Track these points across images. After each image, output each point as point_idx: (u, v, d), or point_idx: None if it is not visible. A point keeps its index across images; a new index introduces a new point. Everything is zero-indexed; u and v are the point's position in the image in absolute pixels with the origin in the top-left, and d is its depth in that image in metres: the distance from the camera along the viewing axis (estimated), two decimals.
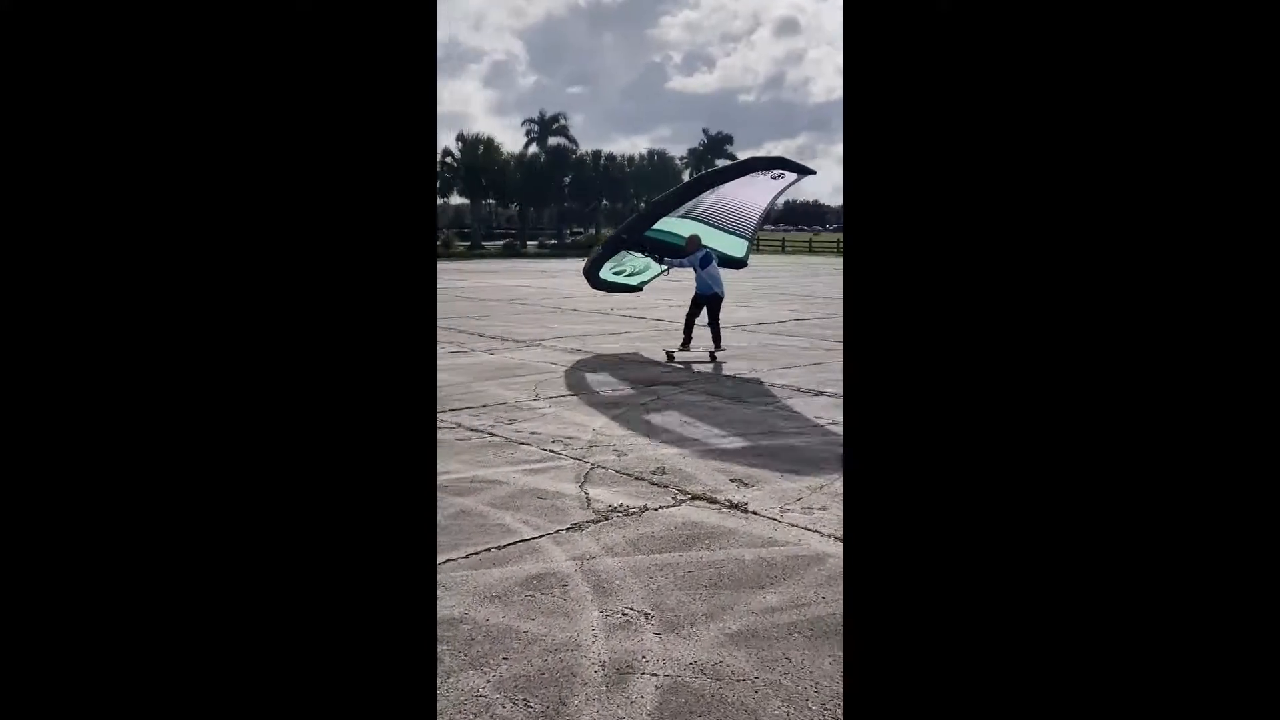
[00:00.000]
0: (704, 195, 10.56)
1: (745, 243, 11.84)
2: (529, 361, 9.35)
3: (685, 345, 9.82)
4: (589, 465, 5.30)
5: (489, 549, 3.89)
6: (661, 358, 9.71)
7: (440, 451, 5.52)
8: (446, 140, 53.41)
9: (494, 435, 6.04)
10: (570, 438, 5.99)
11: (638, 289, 12.67)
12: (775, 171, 10.52)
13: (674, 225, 10.76)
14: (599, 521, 4.28)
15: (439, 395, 7.38)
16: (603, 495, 4.70)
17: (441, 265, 32.30)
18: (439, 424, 6.34)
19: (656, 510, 4.46)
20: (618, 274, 11.63)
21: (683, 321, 10.04)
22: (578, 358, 9.67)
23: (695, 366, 9.27)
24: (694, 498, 4.67)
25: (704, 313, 9.81)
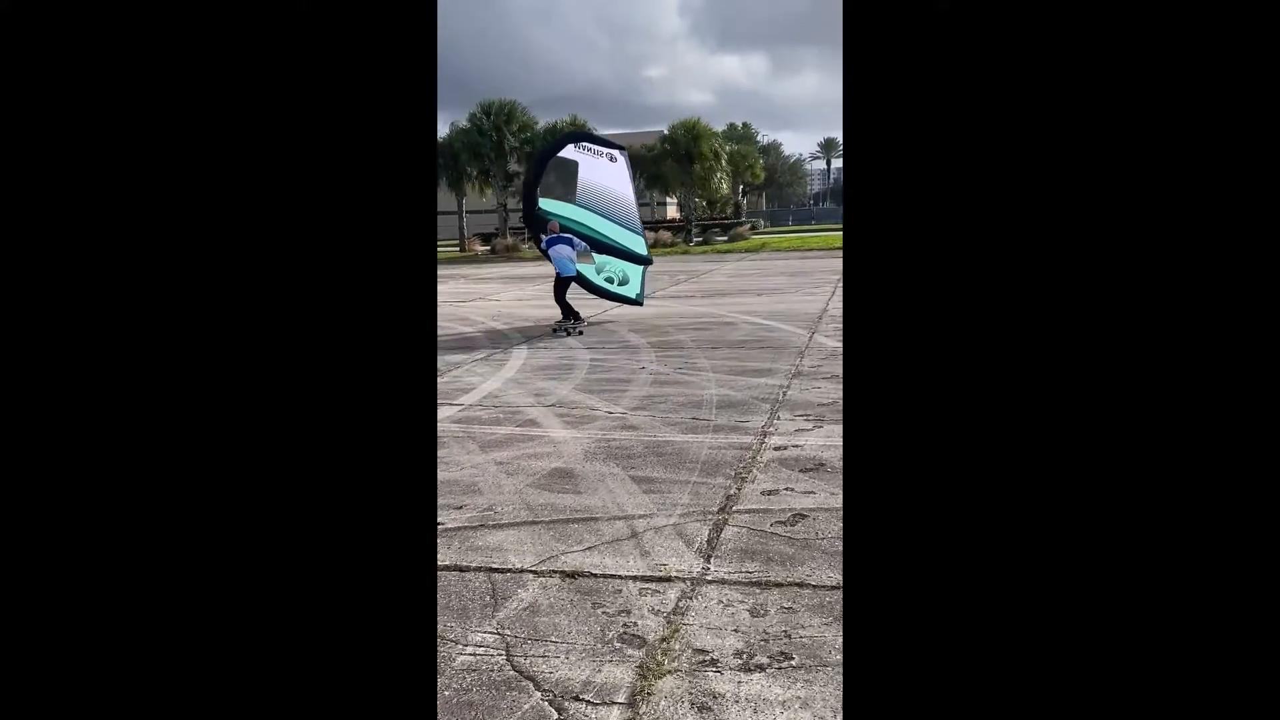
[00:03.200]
0: (581, 180, 11.71)
1: (641, 238, 12.37)
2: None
3: (567, 317, 11.24)
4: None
5: None
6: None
7: None
8: None
9: None
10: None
11: (637, 302, 12.18)
12: (608, 153, 11.86)
13: (574, 212, 11.69)
14: None
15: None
16: None
17: None
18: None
19: None
20: (608, 281, 11.76)
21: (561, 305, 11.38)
22: None
23: None
24: None
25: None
